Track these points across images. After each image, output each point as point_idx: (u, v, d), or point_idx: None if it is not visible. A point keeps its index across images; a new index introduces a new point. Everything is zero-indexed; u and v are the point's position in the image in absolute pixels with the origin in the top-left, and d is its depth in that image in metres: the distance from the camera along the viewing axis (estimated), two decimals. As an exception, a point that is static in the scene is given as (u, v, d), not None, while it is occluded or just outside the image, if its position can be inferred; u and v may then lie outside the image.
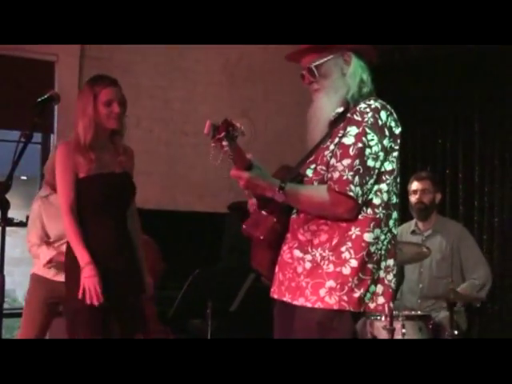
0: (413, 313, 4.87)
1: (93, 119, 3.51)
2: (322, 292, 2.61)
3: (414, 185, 5.24)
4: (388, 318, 4.55)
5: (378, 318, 4.74)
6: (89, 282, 3.37)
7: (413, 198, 5.22)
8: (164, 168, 6.38)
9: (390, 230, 2.69)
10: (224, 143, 2.41)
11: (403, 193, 5.34)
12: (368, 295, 2.64)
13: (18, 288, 5.44)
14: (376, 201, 2.64)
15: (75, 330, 3.43)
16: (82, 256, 3.42)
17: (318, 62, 2.74)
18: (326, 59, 2.74)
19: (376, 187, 2.64)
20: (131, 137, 5.93)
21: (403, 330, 4.66)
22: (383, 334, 4.64)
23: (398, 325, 4.64)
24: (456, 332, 4.63)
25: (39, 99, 3.23)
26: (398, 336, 4.63)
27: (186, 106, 6.62)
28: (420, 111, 6.30)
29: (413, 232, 5.27)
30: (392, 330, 4.53)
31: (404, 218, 5.21)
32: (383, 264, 2.68)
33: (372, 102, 2.68)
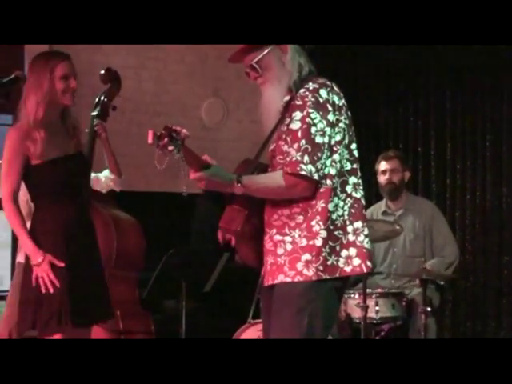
0: (386, 290, 4.91)
1: (47, 94, 3.34)
2: (300, 266, 2.77)
3: (383, 165, 5.14)
4: (362, 296, 4.59)
5: (352, 295, 4.77)
6: (40, 270, 3.29)
7: (382, 179, 5.14)
8: (136, 149, 6.33)
9: (349, 195, 2.85)
10: (170, 148, 2.62)
11: (372, 172, 5.33)
12: (341, 260, 2.80)
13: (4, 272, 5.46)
14: (333, 171, 2.81)
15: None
16: (28, 245, 3.33)
17: (258, 58, 2.89)
18: (264, 53, 2.88)
19: (330, 159, 2.80)
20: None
21: (377, 308, 4.70)
22: (357, 312, 4.67)
23: (371, 302, 4.68)
24: (429, 309, 4.67)
25: (4, 80, 3.18)
26: (371, 314, 4.67)
27: (157, 86, 6.58)
28: (392, 90, 6.31)
29: (384, 212, 5.18)
30: (365, 308, 4.57)
31: (370, 197, 5.16)
32: (350, 228, 2.83)
33: (310, 84, 2.83)
